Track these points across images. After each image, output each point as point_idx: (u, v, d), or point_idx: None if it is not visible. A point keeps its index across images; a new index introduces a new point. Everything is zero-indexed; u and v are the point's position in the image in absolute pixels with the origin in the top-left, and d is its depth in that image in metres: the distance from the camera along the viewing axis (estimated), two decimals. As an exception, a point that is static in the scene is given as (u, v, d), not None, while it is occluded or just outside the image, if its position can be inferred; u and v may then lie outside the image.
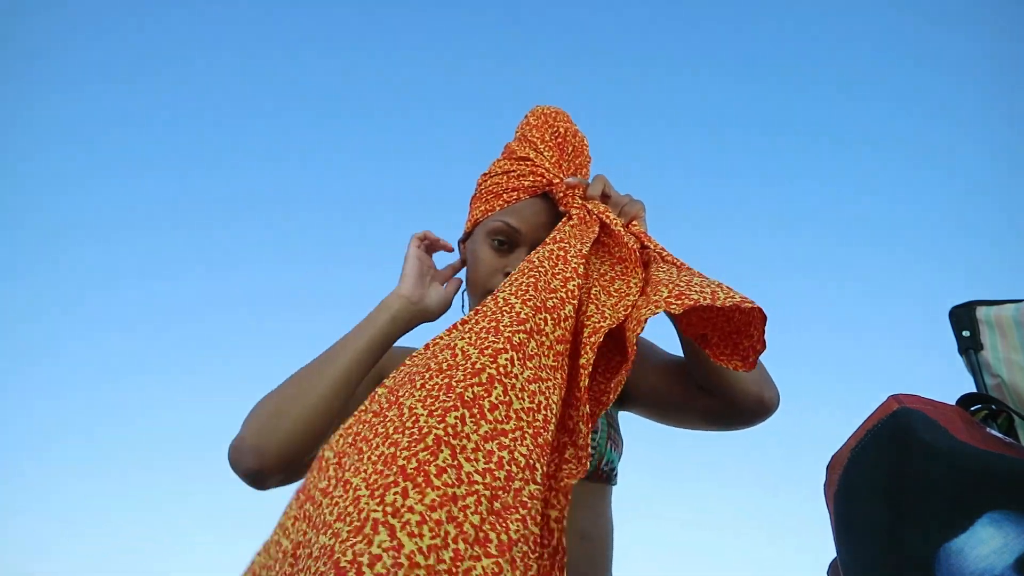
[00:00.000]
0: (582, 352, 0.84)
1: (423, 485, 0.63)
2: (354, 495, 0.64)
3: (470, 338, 0.80)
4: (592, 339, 0.84)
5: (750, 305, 0.81)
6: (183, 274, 3.46)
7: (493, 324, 0.81)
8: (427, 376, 0.76)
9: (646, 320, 0.82)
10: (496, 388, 0.74)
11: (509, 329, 0.80)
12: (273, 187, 3.58)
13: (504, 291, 0.87)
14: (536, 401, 0.76)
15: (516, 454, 0.70)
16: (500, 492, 0.67)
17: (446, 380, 0.74)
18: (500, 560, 0.62)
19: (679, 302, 0.80)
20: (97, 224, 3.44)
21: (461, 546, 0.62)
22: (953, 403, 0.93)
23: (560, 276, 0.90)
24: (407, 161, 3.66)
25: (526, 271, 0.91)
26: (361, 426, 0.76)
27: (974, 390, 1.09)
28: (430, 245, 1.13)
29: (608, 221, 1.00)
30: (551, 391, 0.79)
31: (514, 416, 0.73)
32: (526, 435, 0.72)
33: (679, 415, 1.11)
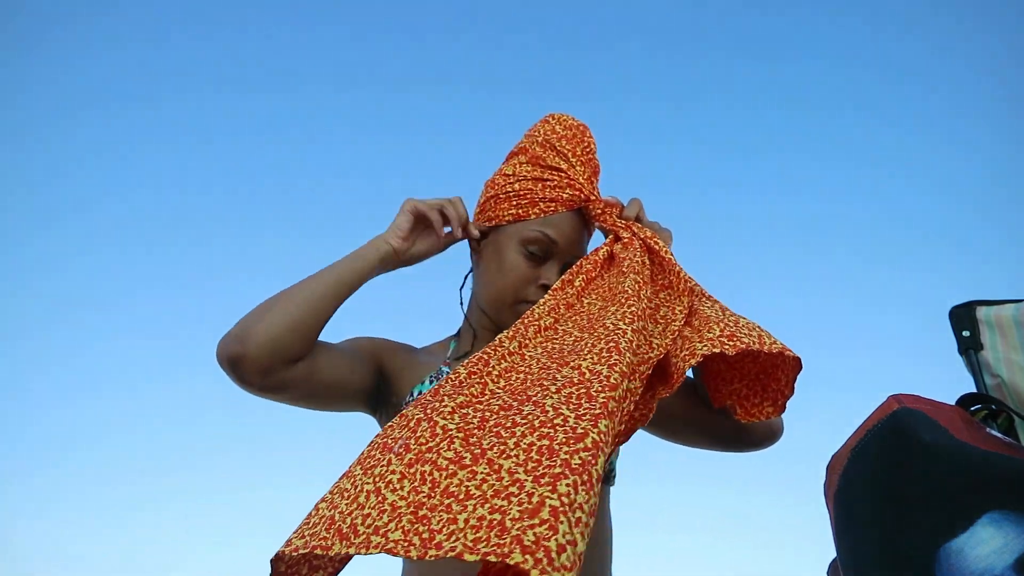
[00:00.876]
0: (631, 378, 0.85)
1: (588, 485, 0.64)
2: (512, 478, 0.66)
3: (560, 397, 0.77)
4: (642, 368, 0.86)
5: (792, 355, 0.86)
6: (194, 282, 3.47)
7: (584, 390, 0.77)
8: (516, 431, 0.74)
9: (701, 356, 0.84)
10: (600, 456, 0.71)
11: (602, 395, 0.76)
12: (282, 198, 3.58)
13: (587, 359, 0.82)
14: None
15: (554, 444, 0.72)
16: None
17: (545, 442, 0.71)
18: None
19: (731, 343, 0.84)
20: (114, 233, 3.44)
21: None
22: (953, 403, 0.93)
23: (641, 329, 0.89)
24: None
25: (597, 323, 0.89)
26: (487, 413, 0.77)
27: (974, 390, 1.09)
28: (448, 220, 1.12)
29: (656, 247, 1.03)
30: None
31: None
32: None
33: (692, 436, 1.11)
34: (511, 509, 0.62)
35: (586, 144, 1.13)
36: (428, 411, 0.77)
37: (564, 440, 0.69)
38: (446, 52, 3.65)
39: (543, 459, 0.68)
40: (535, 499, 0.62)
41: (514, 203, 1.09)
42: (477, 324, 1.15)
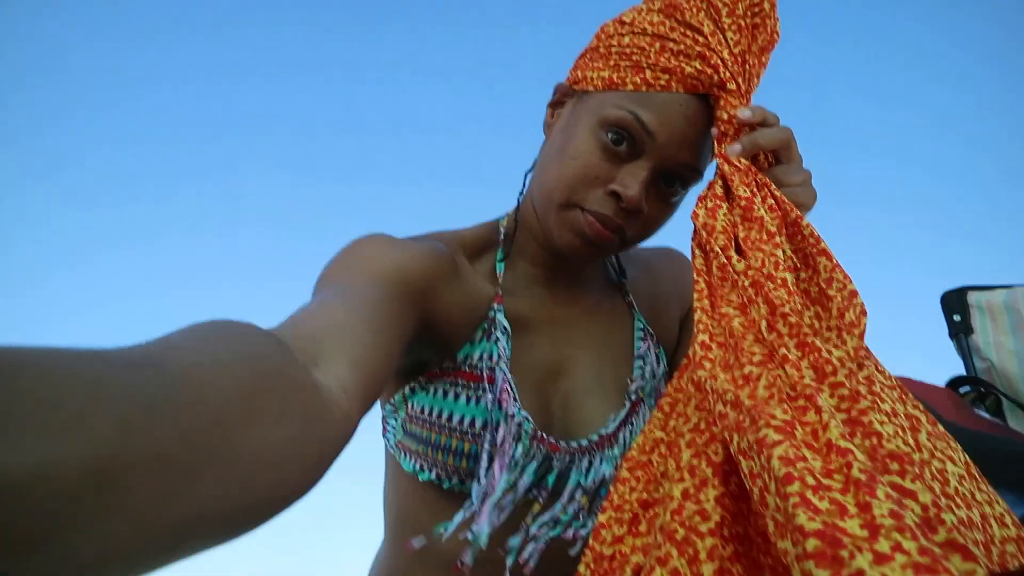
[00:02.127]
0: None
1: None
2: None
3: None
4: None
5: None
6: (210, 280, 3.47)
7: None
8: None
9: None
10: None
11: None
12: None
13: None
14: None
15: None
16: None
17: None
18: None
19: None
20: (124, 233, 3.41)
21: None
22: (943, 385, 0.96)
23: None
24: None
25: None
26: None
27: (964, 373, 1.12)
28: None
29: (790, 213, 0.60)
30: None
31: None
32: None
33: None
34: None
35: (756, 6, 0.69)
36: None
37: None
38: (446, 46, 3.62)
39: None
40: None
41: (612, 62, 0.71)
42: (526, 230, 0.78)
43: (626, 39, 0.71)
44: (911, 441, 0.48)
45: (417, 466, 0.72)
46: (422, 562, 0.74)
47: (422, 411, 0.71)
